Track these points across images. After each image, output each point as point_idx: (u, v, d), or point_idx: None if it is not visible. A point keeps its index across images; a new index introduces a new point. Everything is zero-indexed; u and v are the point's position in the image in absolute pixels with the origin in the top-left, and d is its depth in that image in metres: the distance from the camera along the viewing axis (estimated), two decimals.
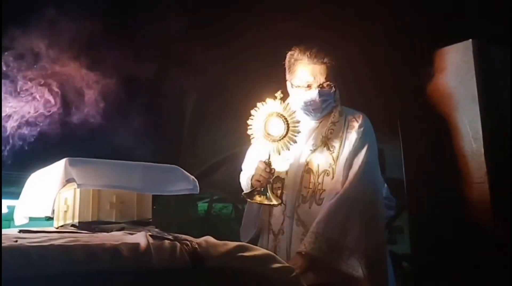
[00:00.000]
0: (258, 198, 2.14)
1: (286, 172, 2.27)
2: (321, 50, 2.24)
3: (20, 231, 1.28)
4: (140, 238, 1.11)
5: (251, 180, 2.19)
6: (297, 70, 2.29)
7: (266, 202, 2.14)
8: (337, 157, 2.24)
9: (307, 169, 2.25)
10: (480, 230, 2.34)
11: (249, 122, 2.12)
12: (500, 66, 2.52)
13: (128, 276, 1.01)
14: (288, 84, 2.34)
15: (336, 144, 2.25)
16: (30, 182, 1.70)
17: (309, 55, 2.24)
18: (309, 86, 2.25)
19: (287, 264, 1.36)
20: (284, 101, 2.13)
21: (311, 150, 2.26)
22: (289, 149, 2.10)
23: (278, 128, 2.08)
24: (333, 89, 2.27)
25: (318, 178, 2.23)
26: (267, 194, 2.14)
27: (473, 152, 2.42)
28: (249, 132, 2.11)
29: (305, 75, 2.25)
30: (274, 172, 2.14)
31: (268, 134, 2.08)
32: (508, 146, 2.46)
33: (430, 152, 2.55)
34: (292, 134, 2.08)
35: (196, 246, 1.17)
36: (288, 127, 2.08)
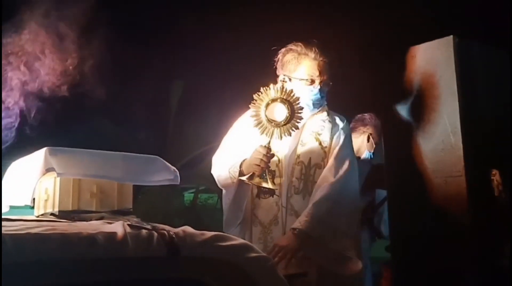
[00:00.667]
0: (258, 181, 2.16)
1: (277, 163, 2.33)
2: (323, 48, 2.34)
3: None
4: (118, 227, 1.13)
5: (240, 166, 2.24)
6: (301, 63, 2.35)
7: (265, 185, 2.18)
8: (329, 151, 2.37)
9: (298, 162, 2.34)
10: (456, 223, 2.40)
11: (251, 106, 2.16)
12: (479, 62, 2.57)
13: (104, 264, 1.03)
14: (282, 77, 2.38)
15: (327, 140, 2.39)
16: (11, 170, 1.70)
17: (316, 51, 2.33)
18: (312, 81, 2.34)
19: (264, 254, 1.39)
20: (285, 88, 2.16)
21: (301, 144, 2.36)
22: (290, 135, 2.17)
23: (282, 114, 2.12)
24: (329, 86, 2.39)
25: (310, 170, 2.33)
26: (267, 178, 2.17)
27: (451, 146, 2.47)
28: (251, 115, 2.15)
29: (311, 70, 2.33)
30: (273, 157, 2.20)
31: (271, 119, 2.11)
32: (485, 141, 2.52)
33: (410, 144, 2.60)
34: (296, 120, 2.14)
35: (173, 235, 1.19)
36: (292, 113, 2.11)
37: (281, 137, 2.14)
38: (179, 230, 1.25)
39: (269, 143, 2.16)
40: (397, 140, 2.65)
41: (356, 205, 2.45)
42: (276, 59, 2.43)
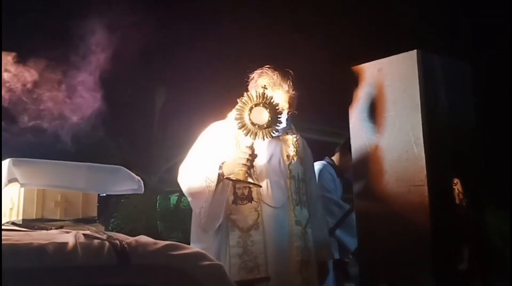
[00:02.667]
0: (245, 176, 2.27)
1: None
2: (295, 80, 2.51)
3: None
4: (70, 237, 1.19)
5: (220, 168, 2.34)
6: (274, 93, 2.48)
7: (251, 180, 2.32)
8: (306, 167, 2.66)
9: (291, 176, 2.55)
10: (418, 229, 2.48)
11: (235, 109, 2.31)
12: (440, 75, 2.67)
13: (55, 272, 1.09)
14: (262, 86, 2.47)
15: (303, 156, 2.65)
16: None
17: (289, 85, 2.50)
18: (280, 112, 2.44)
19: (217, 262, 1.45)
20: (266, 95, 2.31)
21: (289, 159, 2.56)
22: (272, 137, 2.35)
23: (264, 117, 2.28)
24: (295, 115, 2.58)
25: (300, 184, 2.57)
26: (252, 176, 2.33)
27: (415, 156, 2.55)
28: (234, 118, 2.30)
29: (281, 101, 2.48)
30: (256, 156, 2.34)
31: (254, 122, 2.26)
32: (447, 151, 2.61)
33: (376, 155, 2.68)
34: (276, 123, 2.31)
35: (125, 245, 1.25)
36: (273, 117, 2.28)
37: (263, 139, 2.30)
38: (132, 239, 1.31)
39: (252, 144, 2.30)
40: (364, 151, 2.73)
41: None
42: (250, 76, 2.57)
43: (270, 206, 2.43)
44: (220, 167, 2.35)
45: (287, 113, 2.51)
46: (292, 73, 2.53)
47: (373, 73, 2.72)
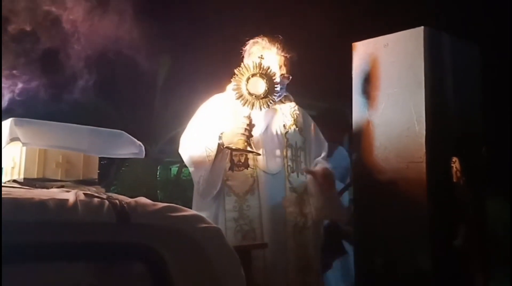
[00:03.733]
0: (244, 145, 2.33)
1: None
2: (286, 44, 2.56)
3: None
4: (70, 195, 1.21)
5: (220, 138, 2.40)
6: (264, 57, 2.48)
7: (250, 149, 2.36)
8: (306, 136, 2.70)
9: (288, 144, 2.60)
10: (415, 205, 2.51)
11: (232, 80, 2.34)
12: (448, 53, 2.65)
13: (55, 227, 1.12)
14: (260, 55, 2.49)
15: (302, 126, 2.69)
16: None
17: (278, 47, 2.55)
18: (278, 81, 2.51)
19: (214, 225, 1.48)
20: (263, 65, 2.34)
21: (285, 128, 2.61)
22: (269, 107, 2.38)
23: (261, 87, 2.31)
24: (289, 79, 2.61)
25: (297, 152, 2.63)
26: (250, 144, 2.37)
27: (415, 133, 2.56)
28: (232, 89, 2.34)
29: (273, 64, 2.50)
30: (254, 126, 2.39)
31: (251, 92, 2.29)
32: (448, 130, 2.62)
33: (377, 131, 2.69)
34: (273, 93, 2.33)
35: (125, 204, 1.28)
36: (270, 86, 2.31)
37: (260, 109, 2.34)
38: (132, 200, 1.34)
39: (249, 114, 2.35)
40: (364, 126, 2.73)
41: None
42: (244, 48, 2.63)
43: (266, 172, 2.51)
44: (220, 137, 2.41)
45: (280, 76, 2.52)
46: (282, 38, 2.59)
47: (378, 48, 2.70)
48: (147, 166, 8.16)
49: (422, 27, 2.57)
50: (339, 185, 3.40)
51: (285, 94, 2.66)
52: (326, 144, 2.81)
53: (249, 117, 2.34)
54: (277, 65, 2.54)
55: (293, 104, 2.70)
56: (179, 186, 9.41)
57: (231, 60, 2.77)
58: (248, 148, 2.35)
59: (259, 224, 2.44)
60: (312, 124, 2.79)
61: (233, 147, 2.34)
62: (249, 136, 2.34)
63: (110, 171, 8.43)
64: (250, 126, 2.34)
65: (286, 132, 2.61)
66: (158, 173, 10.11)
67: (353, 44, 2.80)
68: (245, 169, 2.49)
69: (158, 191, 8.95)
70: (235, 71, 2.35)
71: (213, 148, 2.42)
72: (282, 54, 2.56)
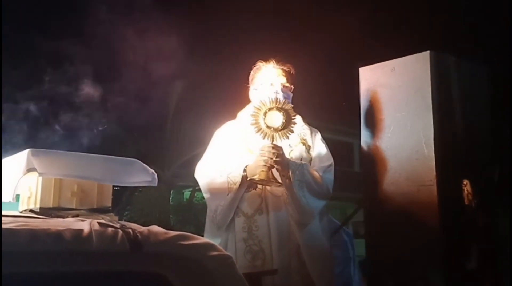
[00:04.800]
0: (267, 177, 2.38)
1: None
2: (280, 59, 2.67)
3: None
4: (85, 225, 1.25)
5: (244, 171, 2.45)
6: (262, 72, 2.69)
7: (275, 181, 2.42)
8: (310, 154, 2.68)
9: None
10: (427, 228, 2.51)
11: (251, 116, 2.44)
12: (454, 76, 2.68)
13: (70, 257, 1.15)
14: (252, 91, 2.71)
15: (310, 144, 2.70)
16: None
17: (274, 62, 2.67)
18: (272, 84, 2.63)
19: (225, 252, 1.50)
20: (278, 99, 2.46)
21: (290, 147, 2.61)
22: (288, 138, 2.46)
23: (278, 120, 2.41)
24: (291, 90, 2.67)
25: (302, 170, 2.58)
26: (273, 175, 2.43)
27: (425, 156, 2.58)
28: (251, 123, 2.44)
29: (270, 75, 2.66)
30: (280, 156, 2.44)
31: (269, 125, 2.39)
32: (457, 152, 2.63)
33: (386, 153, 2.71)
34: (291, 125, 2.43)
35: (138, 233, 1.31)
36: (287, 119, 2.41)
37: (280, 140, 2.43)
38: (144, 229, 1.37)
39: (270, 146, 2.42)
40: (374, 150, 2.76)
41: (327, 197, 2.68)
42: (250, 77, 2.77)
43: (271, 193, 2.54)
44: (244, 170, 2.48)
45: (280, 86, 2.62)
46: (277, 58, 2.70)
47: (386, 73, 2.74)
48: (160, 190, 8.20)
49: (428, 51, 2.62)
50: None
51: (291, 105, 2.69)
52: (330, 160, 2.74)
53: (276, 146, 2.41)
54: (275, 75, 2.64)
55: (301, 123, 2.72)
56: (191, 210, 9.43)
57: (240, 86, 2.86)
58: (272, 179, 2.41)
59: (268, 244, 2.47)
60: (321, 141, 2.77)
61: (257, 179, 2.40)
62: (271, 167, 2.40)
63: (123, 196, 8.49)
64: (279, 154, 2.40)
65: (291, 151, 2.63)
66: (171, 198, 10.15)
67: (360, 69, 2.85)
68: (253, 190, 2.54)
69: (171, 216, 8.98)
70: (253, 106, 2.47)
71: (236, 180, 2.49)
72: (279, 67, 2.67)
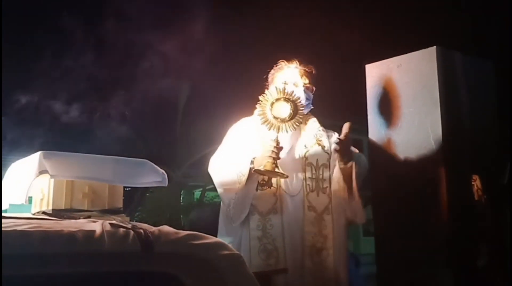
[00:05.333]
0: (272, 167, 2.39)
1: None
2: (302, 60, 2.70)
3: None
4: (97, 226, 1.27)
5: (252, 163, 2.47)
6: (285, 72, 2.70)
7: (277, 170, 2.42)
8: (330, 154, 2.68)
9: (307, 163, 2.63)
10: (435, 225, 2.50)
11: (257, 106, 2.46)
12: (461, 71, 2.67)
13: (83, 257, 1.18)
14: (283, 82, 2.67)
15: (327, 144, 2.70)
16: (9, 171, 1.85)
17: (296, 62, 2.70)
18: (295, 85, 2.65)
19: (235, 252, 1.52)
20: (286, 90, 2.47)
21: (306, 147, 2.64)
22: (295, 129, 2.47)
23: (285, 111, 2.41)
24: (313, 91, 2.71)
25: (319, 170, 2.64)
26: (278, 167, 2.42)
27: (433, 152, 2.57)
28: (257, 114, 2.44)
29: (292, 75, 2.68)
30: (282, 149, 2.46)
31: (276, 116, 2.39)
32: (466, 148, 2.62)
33: (394, 149, 2.71)
34: (299, 116, 2.43)
35: (149, 234, 1.33)
36: (294, 110, 2.40)
37: (287, 131, 2.44)
38: (155, 229, 1.39)
39: (276, 137, 2.43)
40: (381, 147, 2.76)
41: None
42: (269, 78, 2.78)
43: (286, 193, 2.56)
44: (252, 162, 2.50)
45: (303, 85, 2.65)
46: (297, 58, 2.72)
47: (392, 69, 2.74)
48: (171, 191, 8.24)
49: (435, 47, 2.61)
50: None
51: (312, 107, 2.73)
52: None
53: (276, 140, 2.42)
54: (298, 77, 2.67)
55: (317, 125, 2.75)
56: (201, 210, 9.46)
57: (252, 85, 2.88)
58: (276, 170, 2.42)
59: (282, 243, 2.49)
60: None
61: (262, 169, 2.41)
62: (277, 158, 2.41)
63: (134, 197, 8.54)
64: (278, 148, 2.42)
65: (307, 151, 2.65)
66: (181, 198, 10.19)
67: (366, 65, 2.85)
68: (268, 189, 2.56)
69: (182, 216, 9.02)
70: (260, 97, 2.45)
71: (245, 172, 2.50)
72: (301, 67, 2.69)
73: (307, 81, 2.68)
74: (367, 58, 2.75)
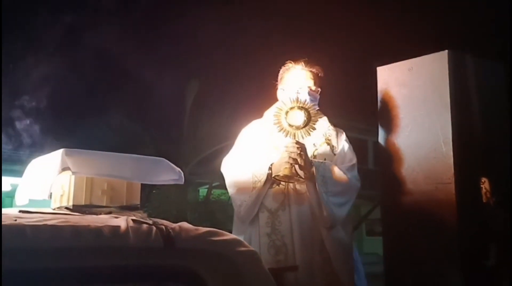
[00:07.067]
0: (291, 173, 2.44)
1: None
2: (310, 61, 2.72)
3: (20, 211, 1.49)
4: (121, 221, 1.31)
5: (269, 169, 2.51)
6: (291, 74, 2.74)
7: (298, 177, 2.47)
8: (335, 154, 2.72)
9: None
10: (445, 226, 2.54)
11: (273, 116, 2.53)
12: (471, 75, 2.70)
13: (109, 252, 1.22)
14: (297, 90, 2.69)
15: (335, 144, 2.74)
16: (31, 167, 1.90)
17: (303, 64, 2.72)
18: (299, 88, 2.68)
19: (252, 248, 1.56)
20: (299, 98, 2.52)
21: (315, 146, 2.67)
22: (310, 135, 2.51)
23: (299, 118, 2.48)
24: (319, 93, 2.72)
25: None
26: (297, 171, 2.47)
27: (443, 154, 2.61)
28: (273, 123, 2.52)
29: (298, 77, 2.71)
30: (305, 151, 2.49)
31: (291, 124, 2.46)
32: (475, 151, 2.65)
33: (404, 152, 2.74)
34: (313, 122, 2.50)
35: (170, 230, 1.37)
36: (308, 117, 2.47)
37: (302, 138, 2.50)
38: (176, 225, 1.43)
39: (293, 143, 2.48)
40: (392, 149, 2.79)
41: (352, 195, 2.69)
42: (279, 77, 2.82)
43: (294, 190, 2.59)
44: (270, 168, 2.55)
45: (308, 89, 2.67)
46: (307, 58, 2.74)
47: (404, 72, 2.78)
48: (177, 188, 8.29)
49: (446, 50, 2.64)
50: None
51: (317, 108, 2.69)
52: (353, 160, 2.76)
53: (298, 143, 2.47)
54: (302, 78, 2.70)
55: (327, 124, 2.76)
56: (208, 207, 9.51)
57: (261, 83, 2.92)
58: (295, 176, 2.47)
59: (291, 239, 2.52)
60: (345, 142, 2.79)
61: (281, 175, 2.46)
62: (295, 163, 2.45)
63: (141, 194, 8.57)
64: (301, 148, 2.46)
65: (315, 150, 2.68)
66: (187, 195, 10.25)
67: (377, 68, 2.89)
68: (277, 186, 2.60)
69: (188, 213, 9.08)
70: (275, 107, 2.56)
71: (261, 178, 2.55)
72: (307, 69, 2.72)
73: (311, 83, 2.71)
74: (379, 60, 2.79)
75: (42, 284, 1.13)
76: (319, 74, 2.74)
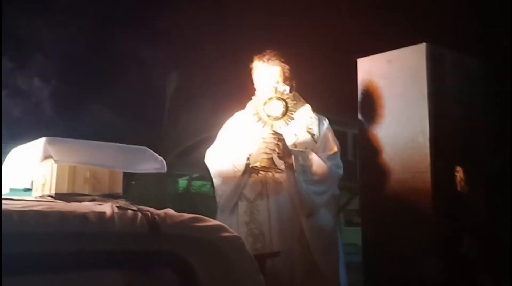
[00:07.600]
0: (269, 163, 2.47)
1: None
2: (275, 55, 2.68)
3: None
4: (107, 208, 1.32)
5: (248, 159, 2.55)
6: (258, 68, 2.73)
7: (275, 167, 2.50)
8: (316, 142, 2.72)
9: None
10: (421, 213, 2.61)
11: (251, 105, 2.54)
12: (448, 67, 2.78)
13: (95, 237, 1.24)
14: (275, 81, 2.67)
15: (316, 133, 2.73)
16: (11, 156, 1.88)
17: (264, 60, 2.69)
18: (265, 85, 2.64)
19: (235, 234, 1.58)
20: (277, 89, 2.52)
21: (296, 135, 2.69)
22: (288, 125, 2.52)
23: (278, 109, 2.48)
24: (289, 85, 2.67)
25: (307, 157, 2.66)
26: (274, 162, 2.51)
27: (420, 145, 2.68)
28: (252, 114, 2.52)
29: (263, 75, 2.69)
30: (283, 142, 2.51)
31: (269, 114, 2.47)
32: (451, 141, 2.73)
33: (382, 141, 2.80)
34: (291, 112, 2.50)
35: (156, 216, 1.39)
36: (286, 107, 2.48)
37: (280, 128, 2.52)
38: (161, 212, 1.45)
39: (270, 134, 2.50)
40: (371, 138, 2.85)
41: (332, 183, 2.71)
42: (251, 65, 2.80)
43: (273, 180, 2.62)
44: (248, 158, 2.59)
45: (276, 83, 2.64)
46: (274, 51, 2.71)
47: (382, 64, 2.83)
48: (157, 179, 8.26)
49: (424, 43, 2.70)
50: None
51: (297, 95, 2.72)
52: (334, 148, 2.75)
53: (276, 133, 2.49)
54: (268, 77, 2.66)
55: (309, 112, 2.76)
56: (188, 199, 9.52)
57: (241, 75, 2.93)
58: (272, 166, 2.51)
59: (268, 228, 2.57)
60: (327, 130, 2.78)
61: (258, 166, 2.50)
62: (272, 154, 2.48)
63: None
64: (279, 139, 2.48)
65: (296, 139, 2.70)
66: (167, 186, 10.23)
67: (357, 60, 2.93)
68: (256, 175, 2.64)
69: (168, 205, 9.07)
70: (253, 97, 2.58)
71: (240, 168, 2.60)
72: (269, 64, 2.68)
73: (278, 78, 2.66)
74: (359, 52, 2.83)
75: (27, 269, 1.14)
76: (284, 69, 2.68)
